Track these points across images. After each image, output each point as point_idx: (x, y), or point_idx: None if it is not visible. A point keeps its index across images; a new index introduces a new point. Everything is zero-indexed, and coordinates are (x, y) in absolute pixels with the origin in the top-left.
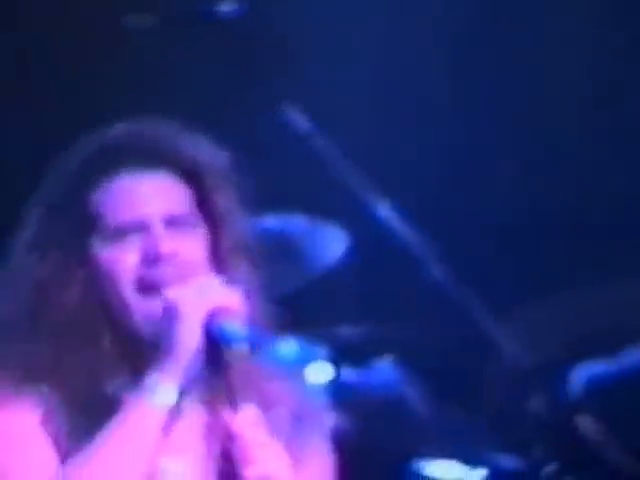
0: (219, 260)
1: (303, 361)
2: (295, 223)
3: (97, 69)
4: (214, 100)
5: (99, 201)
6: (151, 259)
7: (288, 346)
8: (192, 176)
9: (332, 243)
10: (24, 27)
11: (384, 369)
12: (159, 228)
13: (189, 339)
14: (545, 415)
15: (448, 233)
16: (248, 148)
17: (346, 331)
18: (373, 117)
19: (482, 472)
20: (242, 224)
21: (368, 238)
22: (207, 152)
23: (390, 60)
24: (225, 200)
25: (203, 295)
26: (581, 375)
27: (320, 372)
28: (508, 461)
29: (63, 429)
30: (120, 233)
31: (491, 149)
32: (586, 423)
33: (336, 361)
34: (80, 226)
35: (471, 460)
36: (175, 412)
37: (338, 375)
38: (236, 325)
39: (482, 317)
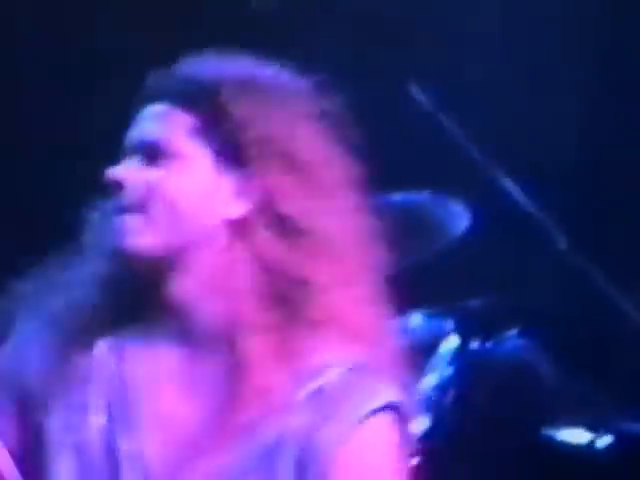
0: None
1: (432, 334)
2: (421, 199)
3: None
4: (344, 79)
5: None
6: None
7: (417, 320)
8: (197, 101)
9: (456, 218)
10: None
11: (512, 340)
12: (130, 158)
13: None
14: None
15: (571, 209)
16: (377, 126)
17: (473, 304)
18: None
19: (608, 438)
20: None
21: (492, 212)
22: (221, 72)
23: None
24: (243, 110)
25: None
26: None
27: (449, 345)
28: (634, 427)
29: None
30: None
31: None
32: None
33: (464, 334)
34: None
35: (598, 427)
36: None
37: (467, 347)
38: None
39: (605, 286)
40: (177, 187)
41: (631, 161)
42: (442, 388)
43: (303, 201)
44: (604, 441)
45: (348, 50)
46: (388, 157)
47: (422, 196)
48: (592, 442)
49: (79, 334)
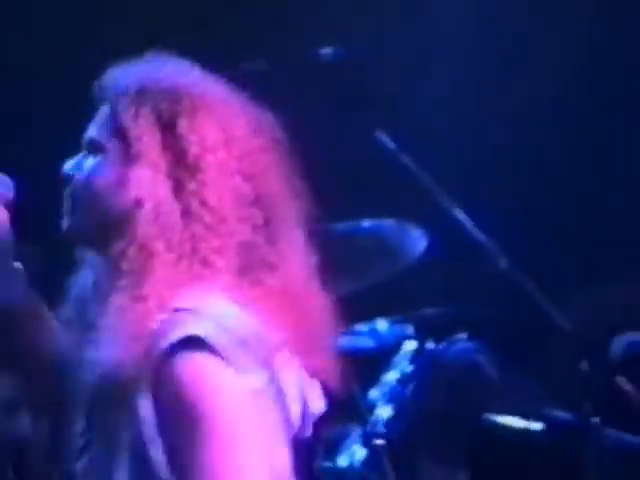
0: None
1: (395, 337)
2: (387, 225)
3: None
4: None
5: None
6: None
7: (383, 325)
8: (115, 102)
9: (416, 242)
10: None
11: (461, 342)
12: (79, 154)
13: None
14: (592, 377)
15: (512, 232)
16: (348, 169)
17: (429, 312)
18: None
19: (540, 424)
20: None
21: (445, 238)
22: (139, 78)
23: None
24: (126, 119)
25: None
26: (621, 344)
27: (409, 346)
28: (561, 415)
29: None
30: None
31: (555, 157)
32: (624, 383)
33: (421, 337)
34: None
35: (531, 415)
36: None
37: (423, 348)
38: None
39: (537, 297)
40: (92, 173)
41: (560, 196)
42: (403, 382)
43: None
44: (536, 426)
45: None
46: (360, 192)
47: (388, 223)
48: (527, 427)
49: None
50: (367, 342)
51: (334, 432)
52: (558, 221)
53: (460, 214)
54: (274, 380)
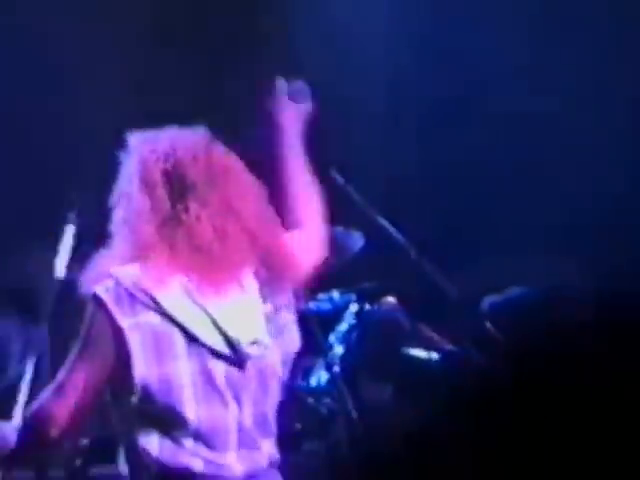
0: None
1: (344, 303)
2: (339, 230)
3: None
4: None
5: None
6: None
7: (336, 295)
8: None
9: (356, 240)
10: None
11: (387, 305)
12: None
13: None
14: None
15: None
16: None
17: (366, 286)
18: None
19: (437, 355)
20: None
21: (374, 237)
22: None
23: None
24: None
25: None
26: (487, 302)
27: (353, 308)
28: (452, 348)
29: None
30: None
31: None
32: (489, 327)
33: (360, 302)
34: None
35: (431, 349)
36: None
37: (362, 310)
38: None
39: (435, 272)
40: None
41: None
42: (349, 332)
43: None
44: (435, 356)
45: None
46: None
47: (339, 229)
48: (429, 356)
49: None
50: (326, 306)
51: (307, 363)
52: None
53: (385, 222)
54: (162, 317)
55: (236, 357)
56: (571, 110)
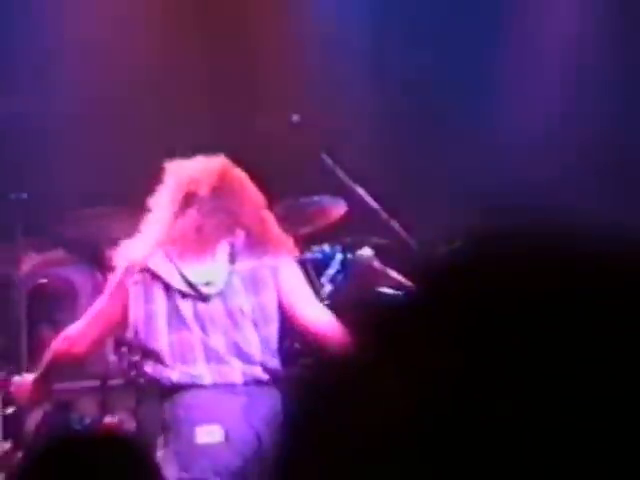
0: None
1: (333, 253)
2: (325, 199)
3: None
4: None
5: None
6: None
7: (326, 247)
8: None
9: (340, 206)
10: None
11: (364, 253)
12: None
13: None
14: None
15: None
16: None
17: (347, 240)
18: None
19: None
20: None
21: (356, 204)
22: None
23: None
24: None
25: None
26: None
27: (339, 257)
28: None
29: None
30: None
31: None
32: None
33: (345, 252)
34: None
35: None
36: None
37: (346, 257)
38: None
39: (400, 231)
40: None
41: None
42: (336, 275)
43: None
44: (400, 294)
45: None
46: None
47: (327, 197)
48: (396, 295)
49: None
50: (318, 256)
51: None
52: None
53: (361, 190)
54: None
55: (197, 294)
56: None
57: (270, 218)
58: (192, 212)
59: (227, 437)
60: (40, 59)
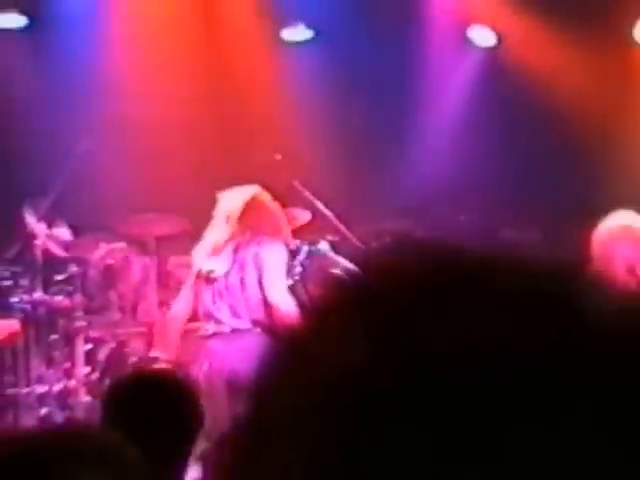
0: None
1: (302, 246)
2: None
3: None
4: None
5: None
6: None
7: (297, 242)
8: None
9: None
10: None
11: (321, 246)
12: None
13: None
14: None
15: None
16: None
17: (311, 238)
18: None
19: None
20: None
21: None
22: None
23: None
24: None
25: None
26: None
27: (305, 248)
28: None
29: None
30: None
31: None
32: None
33: (309, 245)
34: None
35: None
36: None
37: (310, 249)
38: None
39: (348, 233)
40: None
41: None
42: (305, 259)
43: None
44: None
45: None
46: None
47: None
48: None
49: None
50: (293, 247)
51: None
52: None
53: (319, 203)
54: None
55: (207, 277)
56: None
57: (281, 219)
58: (227, 229)
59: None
60: (110, 106)
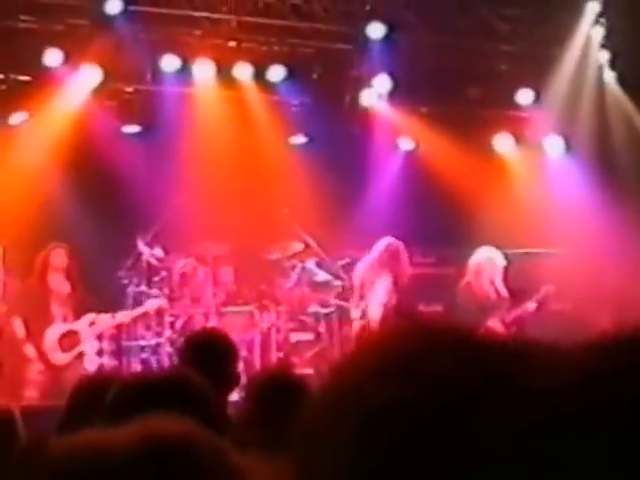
0: None
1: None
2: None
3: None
4: None
5: None
6: None
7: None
8: None
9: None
10: None
11: (309, 264)
12: None
13: None
14: None
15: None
16: None
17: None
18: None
19: None
20: None
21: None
22: None
23: None
24: None
25: None
26: None
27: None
28: None
29: None
30: None
31: None
32: None
33: (300, 262)
34: None
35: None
36: None
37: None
38: None
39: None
40: None
41: None
42: (299, 272)
43: None
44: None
45: None
46: None
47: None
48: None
49: None
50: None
51: None
52: None
53: (307, 237)
54: None
55: None
56: None
57: None
58: None
59: None
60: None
